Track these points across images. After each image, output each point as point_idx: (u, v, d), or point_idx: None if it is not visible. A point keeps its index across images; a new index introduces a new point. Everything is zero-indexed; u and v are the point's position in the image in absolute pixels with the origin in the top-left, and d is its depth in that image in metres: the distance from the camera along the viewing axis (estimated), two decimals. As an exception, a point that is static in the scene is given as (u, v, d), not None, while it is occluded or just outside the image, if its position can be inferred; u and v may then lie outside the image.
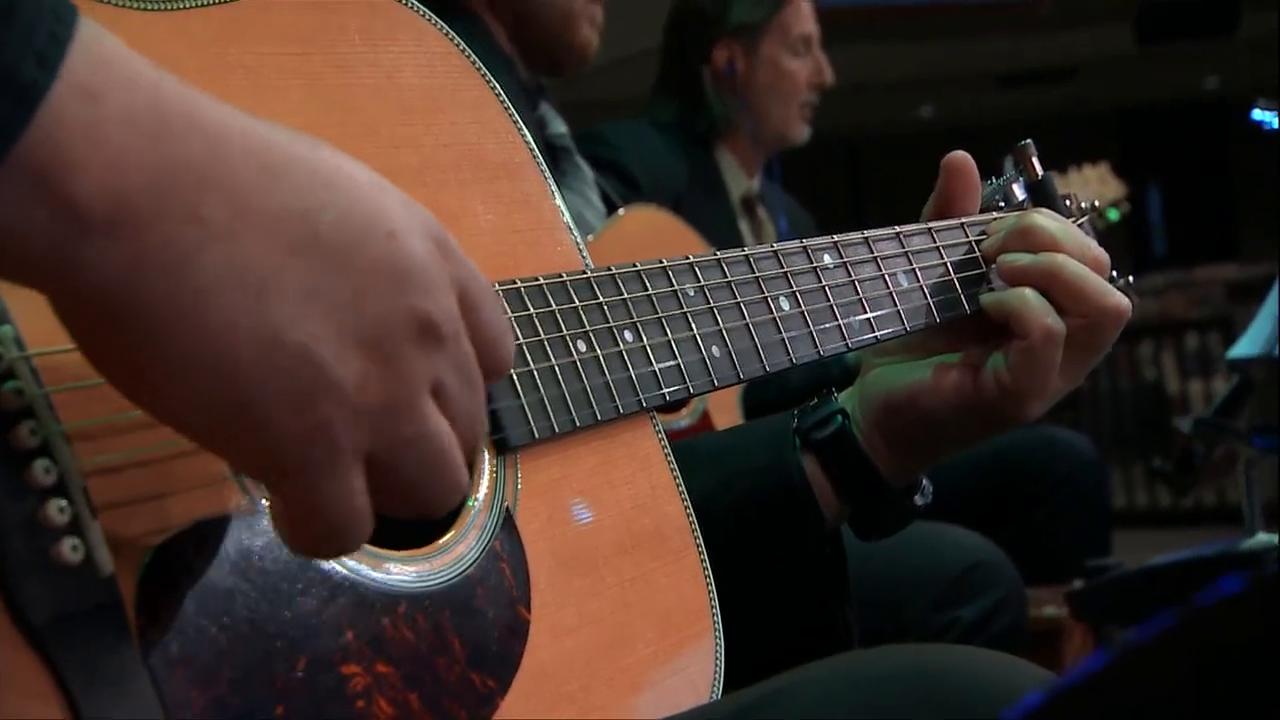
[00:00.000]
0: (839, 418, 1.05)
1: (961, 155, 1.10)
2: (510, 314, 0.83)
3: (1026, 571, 2.12)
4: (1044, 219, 1.05)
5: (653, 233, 2.31)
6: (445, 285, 0.61)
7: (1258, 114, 2.31)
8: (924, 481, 1.10)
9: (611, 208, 2.39)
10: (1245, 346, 2.22)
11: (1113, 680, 0.41)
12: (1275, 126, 2.29)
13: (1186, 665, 0.41)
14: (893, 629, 1.89)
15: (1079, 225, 1.17)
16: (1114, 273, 1.19)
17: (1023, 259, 1.04)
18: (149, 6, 0.74)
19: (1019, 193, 1.16)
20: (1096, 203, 1.24)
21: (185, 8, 0.76)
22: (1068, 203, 1.19)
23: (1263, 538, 2.17)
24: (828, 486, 1.05)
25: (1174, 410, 7.04)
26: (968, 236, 1.09)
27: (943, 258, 1.07)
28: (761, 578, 1.05)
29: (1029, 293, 1.02)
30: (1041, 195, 1.16)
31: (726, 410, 2.39)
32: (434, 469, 0.62)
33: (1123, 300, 1.03)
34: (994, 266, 1.07)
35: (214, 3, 0.77)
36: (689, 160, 2.82)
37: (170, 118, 0.55)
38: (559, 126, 2.34)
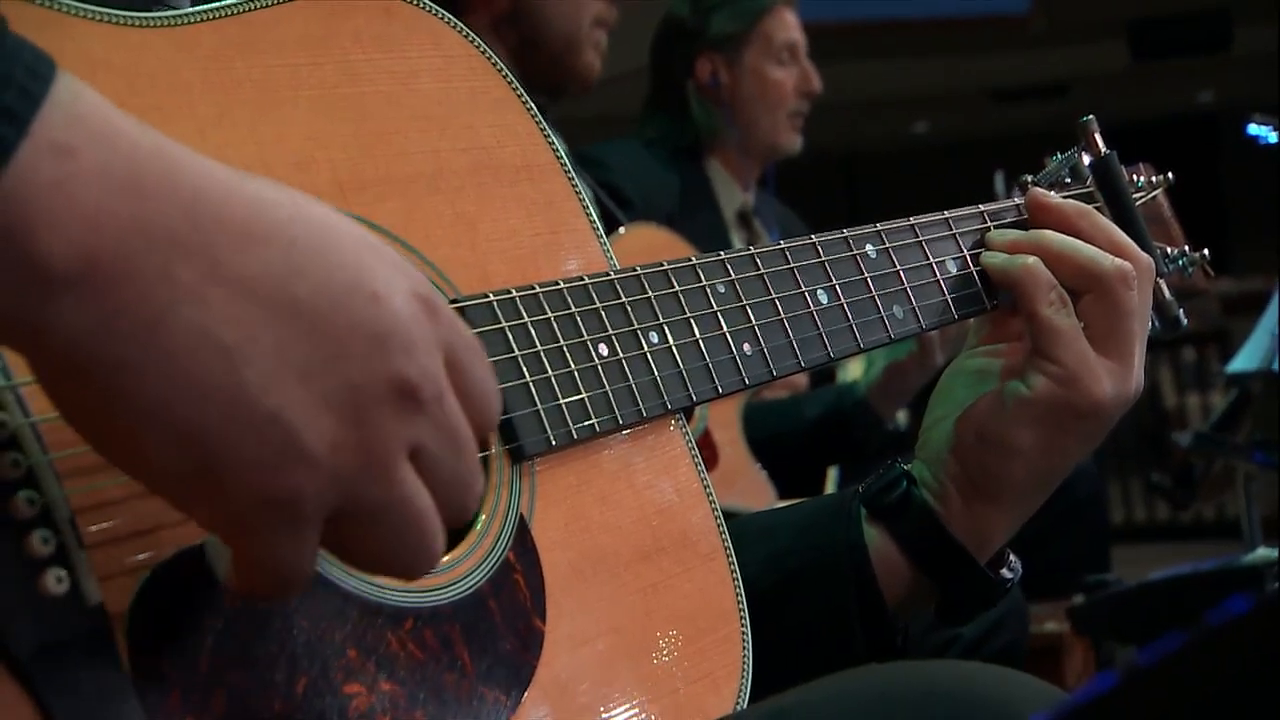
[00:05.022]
0: (904, 481, 0.98)
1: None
2: (528, 319, 0.82)
3: (1024, 587, 2.11)
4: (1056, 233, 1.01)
5: (654, 250, 2.31)
6: (429, 347, 0.60)
7: (1252, 129, 2.32)
8: (1009, 555, 1.02)
9: (611, 226, 2.40)
10: (1243, 361, 2.22)
11: (1121, 702, 0.41)
12: (1269, 141, 2.30)
13: (1194, 686, 0.41)
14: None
15: (1150, 199, 1.14)
16: (1185, 247, 1.15)
17: (1011, 234, 1.01)
18: (151, 23, 0.73)
19: (1086, 170, 1.12)
20: (1170, 175, 1.18)
21: (190, 22, 0.75)
22: (1135, 178, 1.15)
23: (1262, 552, 2.18)
24: (901, 560, 0.97)
25: (1171, 424, 7.04)
26: (1022, 215, 1.05)
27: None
28: (807, 659, 0.97)
29: (1037, 264, 0.97)
30: (1105, 172, 1.11)
31: (728, 427, 2.39)
32: (405, 535, 0.61)
33: (1120, 262, 0.97)
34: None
35: (220, 16, 0.76)
36: (680, 175, 2.83)
37: (147, 177, 0.54)
38: (559, 145, 2.34)
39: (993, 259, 1.01)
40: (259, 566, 0.59)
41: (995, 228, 1.05)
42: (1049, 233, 1.00)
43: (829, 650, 0.98)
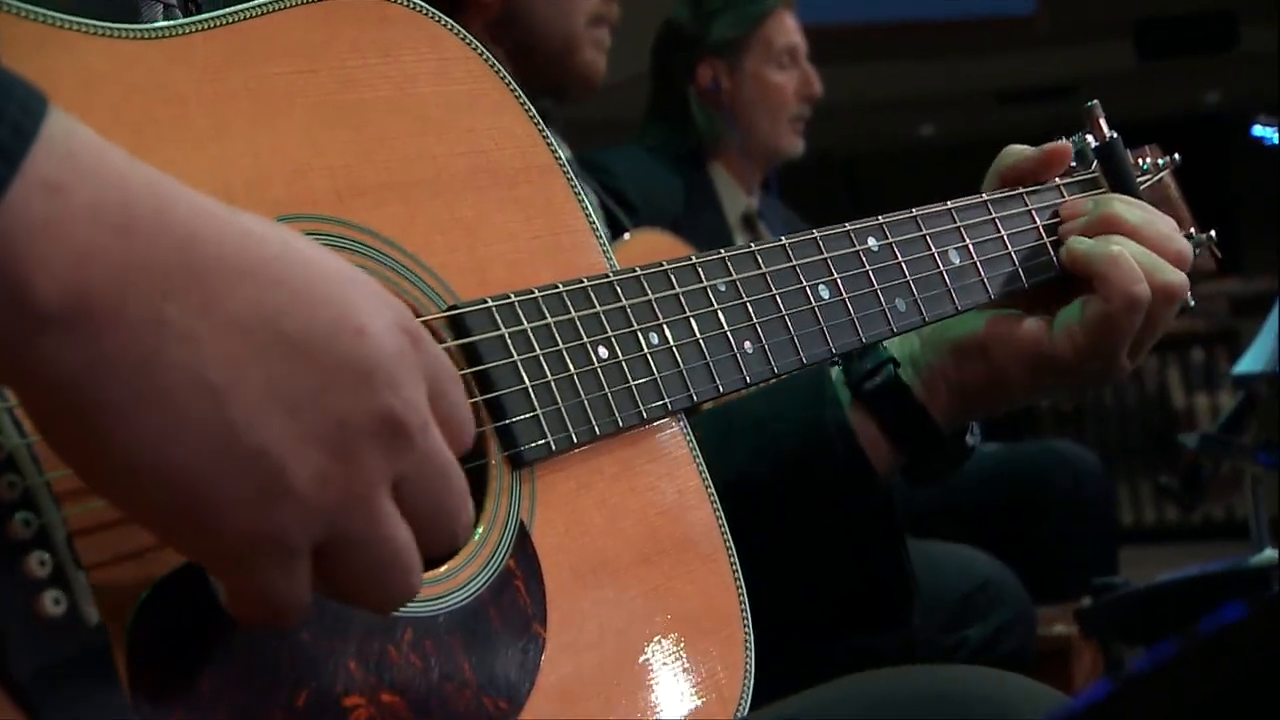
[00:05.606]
0: (890, 367, 1.03)
1: (1065, 147, 1.08)
2: (527, 324, 0.82)
3: (1033, 589, 2.11)
4: (1123, 207, 1.03)
5: (659, 255, 2.31)
6: (415, 379, 0.61)
7: (1258, 130, 2.30)
8: (972, 424, 1.08)
9: (616, 232, 2.40)
10: (1249, 363, 2.21)
11: (1116, 710, 0.41)
12: (1275, 142, 2.29)
13: (1190, 693, 0.41)
14: (901, 648, 1.88)
15: (1157, 181, 1.15)
16: (1192, 229, 1.16)
17: (1083, 243, 1.02)
18: (144, 35, 0.72)
19: (1092, 154, 1.13)
20: (1177, 155, 1.20)
21: (184, 33, 0.74)
22: (1141, 161, 1.16)
23: (1270, 553, 2.17)
24: (880, 435, 1.03)
25: (1180, 424, 7.02)
26: (1027, 205, 1.06)
27: (999, 230, 1.05)
28: (811, 541, 1.03)
29: (1121, 254, 0.99)
30: (1110, 156, 1.13)
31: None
32: (380, 572, 0.61)
33: (1178, 277, 1.00)
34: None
35: (214, 26, 0.75)
36: (683, 180, 2.83)
37: (139, 215, 0.54)
38: (563, 151, 2.34)
39: (1079, 244, 1.02)
40: (252, 599, 0.59)
41: (1000, 217, 1.05)
42: (1128, 239, 1.01)
43: (829, 531, 1.03)
